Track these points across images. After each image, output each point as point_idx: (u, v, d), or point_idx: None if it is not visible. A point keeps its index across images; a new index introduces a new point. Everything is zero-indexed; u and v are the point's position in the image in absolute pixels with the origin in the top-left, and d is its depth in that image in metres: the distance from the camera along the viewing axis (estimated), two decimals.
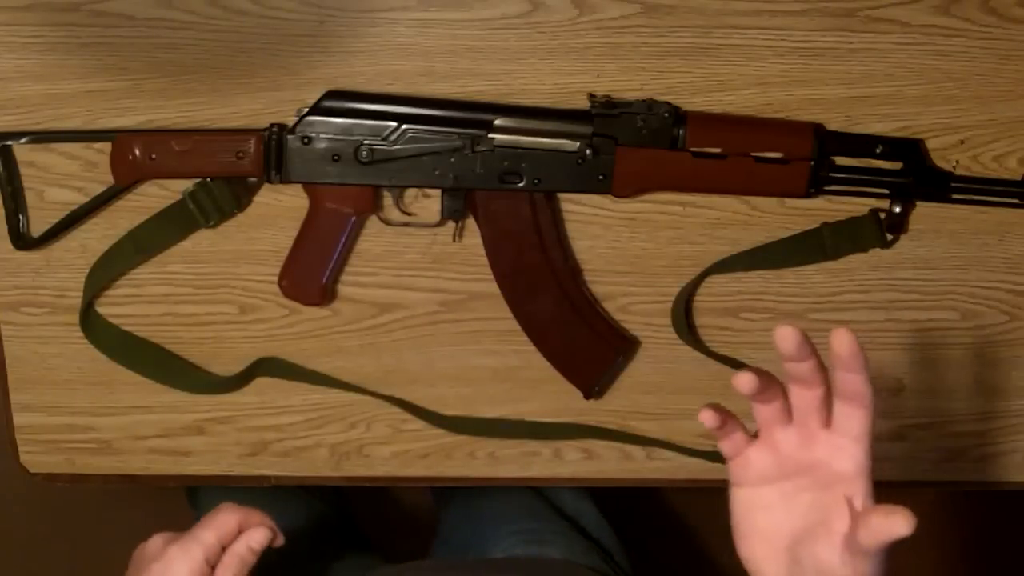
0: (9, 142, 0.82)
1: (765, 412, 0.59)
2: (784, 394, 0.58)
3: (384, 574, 0.94)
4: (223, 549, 0.72)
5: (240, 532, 0.72)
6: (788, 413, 0.59)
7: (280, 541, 0.73)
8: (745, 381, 0.56)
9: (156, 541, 0.73)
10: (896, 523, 0.53)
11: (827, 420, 0.58)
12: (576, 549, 1.00)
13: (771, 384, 0.57)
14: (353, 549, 1.11)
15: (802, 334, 0.54)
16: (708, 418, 0.58)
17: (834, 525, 0.57)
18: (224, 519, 0.72)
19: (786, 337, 0.54)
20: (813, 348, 0.56)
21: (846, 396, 0.56)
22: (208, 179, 0.82)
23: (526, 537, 1.00)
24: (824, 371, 0.56)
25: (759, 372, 0.56)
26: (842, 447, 0.57)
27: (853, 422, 0.57)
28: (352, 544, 1.14)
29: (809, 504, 0.59)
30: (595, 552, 1.01)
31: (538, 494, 1.07)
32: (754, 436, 0.60)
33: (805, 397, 0.57)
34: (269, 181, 0.82)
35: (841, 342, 0.54)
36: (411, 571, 0.93)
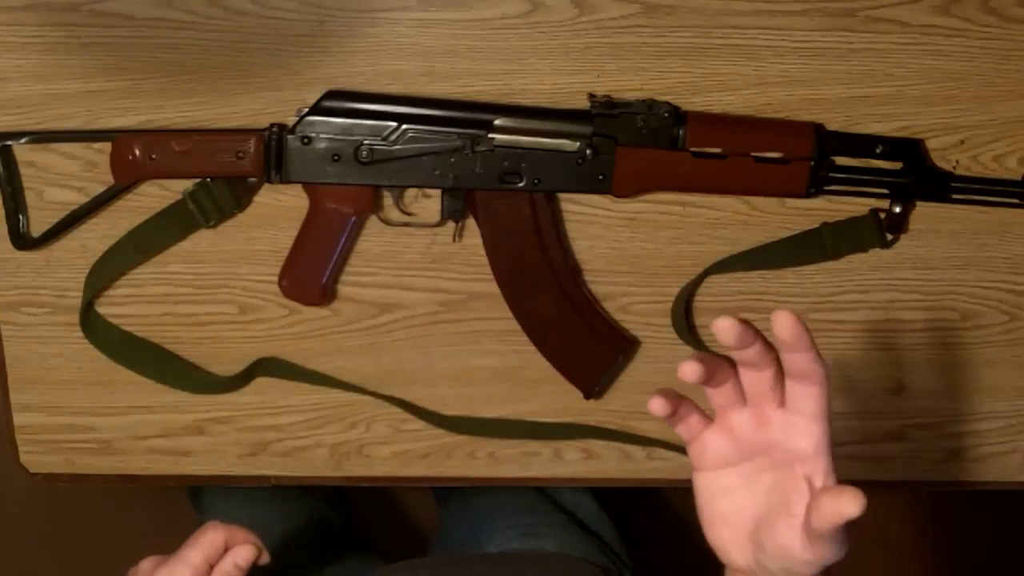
0: (9, 142, 0.82)
1: (717, 396, 0.58)
2: (735, 375, 0.58)
3: (380, 574, 0.94)
4: (211, 567, 0.73)
5: (226, 549, 0.73)
6: (742, 394, 0.58)
7: (265, 559, 0.74)
8: (689, 371, 0.55)
9: (146, 565, 0.74)
10: (844, 503, 0.52)
11: (781, 399, 0.57)
12: (572, 541, 1.00)
13: (718, 368, 0.57)
14: (352, 549, 1.11)
15: (740, 324, 0.53)
16: (657, 406, 0.57)
17: (794, 507, 0.56)
18: (210, 538, 0.73)
19: (725, 330, 0.53)
20: (756, 333, 0.55)
21: (796, 375, 0.55)
22: (208, 179, 0.82)
23: (522, 531, 1.00)
24: (772, 352, 0.56)
25: (704, 358, 0.55)
26: (798, 426, 0.56)
27: (808, 400, 0.56)
28: (351, 544, 1.14)
29: (770, 486, 0.58)
30: (592, 543, 1.01)
31: (536, 489, 1.07)
32: (711, 418, 0.60)
33: (756, 379, 0.57)
34: (269, 181, 0.82)
35: (782, 326, 0.53)
36: (406, 570, 0.93)
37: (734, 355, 0.56)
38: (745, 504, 0.59)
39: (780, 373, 0.56)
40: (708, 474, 0.60)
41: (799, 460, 0.57)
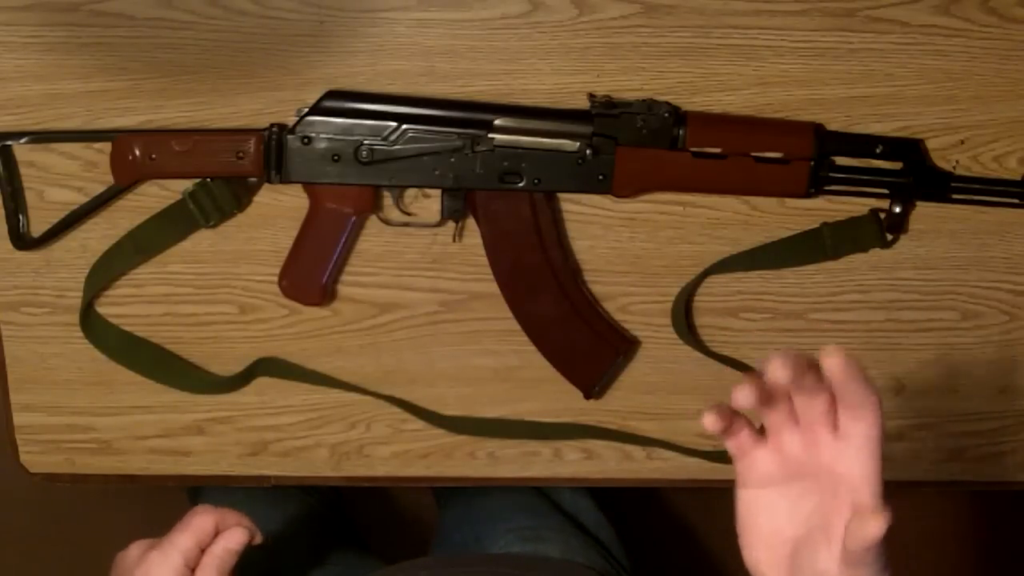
0: (9, 142, 0.82)
1: (771, 416, 0.58)
2: (789, 399, 0.57)
3: (380, 575, 0.94)
4: (202, 551, 0.72)
5: (217, 533, 0.73)
6: (795, 416, 0.58)
7: (259, 539, 0.74)
8: (743, 396, 0.54)
9: (135, 549, 0.73)
10: (868, 526, 0.52)
11: (834, 424, 0.56)
12: (573, 545, 1.00)
13: (772, 392, 0.56)
14: (351, 550, 1.11)
15: (793, 360, 0.53)
16: (711, 423, 0.56)
17: (835, 532, 0.56)
18: (200, 521, 0.72)
19: (777, 369, 0.53)
20: (808, 364, 0.54)
21: (848, 404, 0.55)
22: (208, 179, 0.82)
23: (523, 534, 1.00)
24: (824, 380, 0.55)
25: (758, 382, 0.54)
26: (848, 451, 0.56)
27: (859, 425, 0.55)
28: (350, 545, 1.14)
29: (813, 509, 0.58)
30: (593, 548, 1.01)
31: (537, 492, 1.07)
32: (761, 432, 0.59)
33: (809, 405, 0.56)
34: (269, 181, 0.82)
35: (831, 365, 0.53)
36: (405, 571, 0.93)
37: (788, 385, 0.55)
38: (785, 524, 0.59)
39: (833, 399, 0.56)
40: (753, 491, 0.60)
41: (845, 486, 0.56)
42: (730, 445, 0.59)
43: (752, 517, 0.60)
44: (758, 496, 0.59)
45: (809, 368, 0.54)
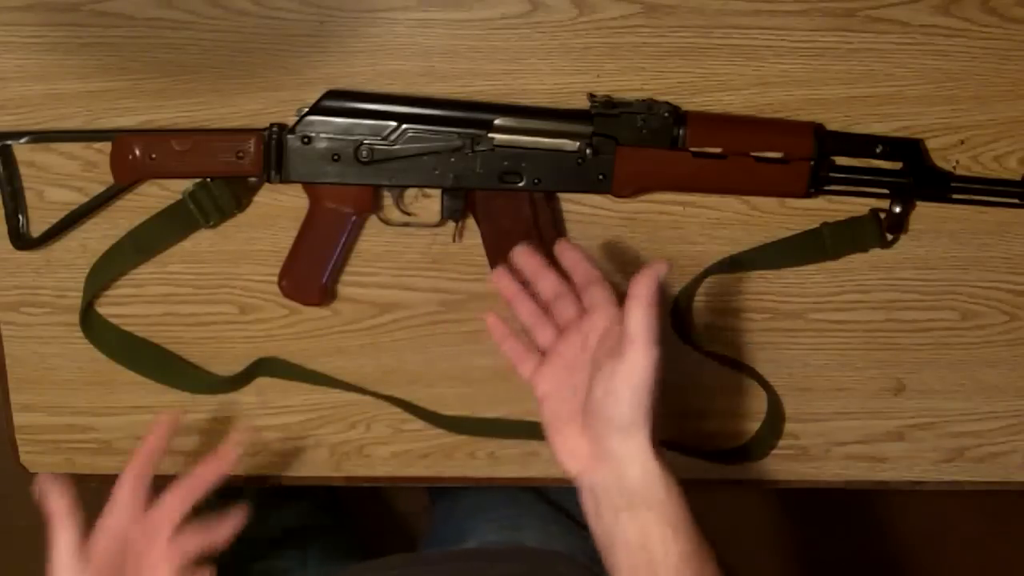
0: (9, 142, 0.82)
1: (541, 335, 0.75)
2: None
3: (352, 571, 0.93)
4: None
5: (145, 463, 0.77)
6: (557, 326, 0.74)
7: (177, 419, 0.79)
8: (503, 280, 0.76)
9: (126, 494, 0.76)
10: (635, 354, 0.66)
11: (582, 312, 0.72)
12: (553, 532, 0.99)
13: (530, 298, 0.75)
14: (344, 550, 1.11)
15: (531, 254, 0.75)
16: (493, 324, 0.77)
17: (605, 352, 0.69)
18: (125, 481, 0.76)
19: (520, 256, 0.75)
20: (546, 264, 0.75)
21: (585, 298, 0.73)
22: (208, 179, 0.82)
23: (502, 523, 1.00)
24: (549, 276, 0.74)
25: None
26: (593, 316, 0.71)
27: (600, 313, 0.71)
28: (344, 545, 1.14)
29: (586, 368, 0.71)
30: (574, 533, 1.00)
31: None
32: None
33: (564, 307, 0.74)
34: (269, 181, 0.82)
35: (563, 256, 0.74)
36: (376, 570, 0.92)
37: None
38: (577, 398, 0.71)
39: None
40: (548, 398, 0.73)
41: (597, 333, 0.71)
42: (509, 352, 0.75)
43: (554, 415, 0.72)
44: (550, 395, 0.73)
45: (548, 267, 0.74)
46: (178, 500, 0.75)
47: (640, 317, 0.66)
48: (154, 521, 0.75)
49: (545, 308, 0.75)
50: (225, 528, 0.75)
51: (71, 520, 0.74)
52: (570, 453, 0.71)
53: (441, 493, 1.16)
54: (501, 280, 0.76)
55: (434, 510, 1.17)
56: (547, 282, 0.75)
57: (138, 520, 0.75)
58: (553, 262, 0.83)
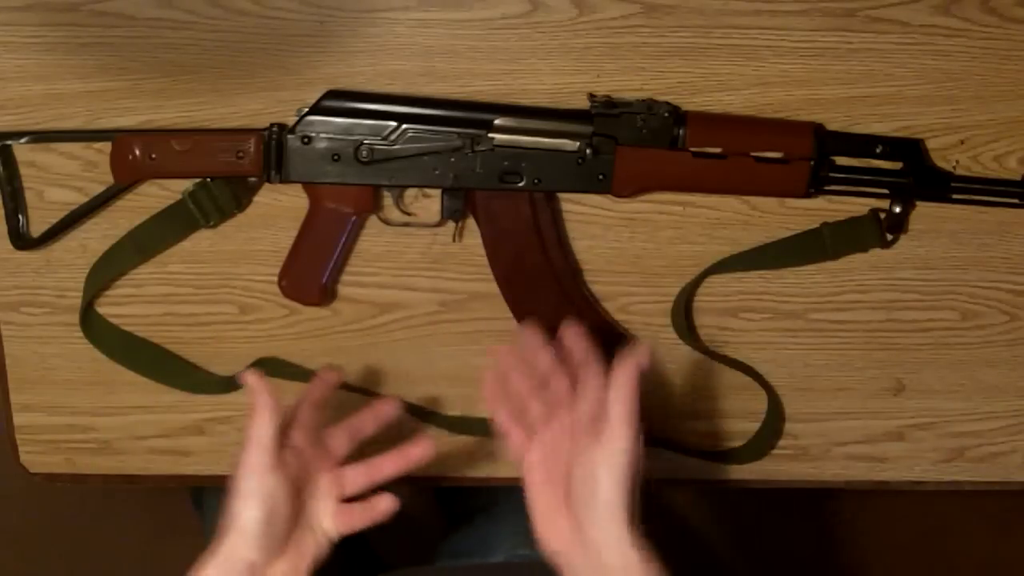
0: (9, 142, 0.82)
1: (535, 411, 0.76)
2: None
3: None
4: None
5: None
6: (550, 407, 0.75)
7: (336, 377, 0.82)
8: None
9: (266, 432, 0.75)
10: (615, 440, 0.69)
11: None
12: None
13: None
14: (352, 555, 1.11)
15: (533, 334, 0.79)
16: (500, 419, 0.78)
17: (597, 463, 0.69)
18: (304, 404, 0.79)
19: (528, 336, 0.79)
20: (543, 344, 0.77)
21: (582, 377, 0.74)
22: (208, 179, 0.82)
23: (527, 537, 1.00)
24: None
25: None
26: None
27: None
28: (351, 549, 1.13)
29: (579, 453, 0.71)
30: None
31: None
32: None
33: (557, 387, 0.76)
34: (269, 181, 0.82)
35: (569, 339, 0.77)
36: None
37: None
38: (562, 475, 0.72)
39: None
40: (538, 478, 0.73)
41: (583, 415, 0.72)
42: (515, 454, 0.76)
43: (538, 492, 0.73)
44: (534, 468, 0.73)
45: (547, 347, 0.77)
46: (346, 435, 0.79)
47: (620, 403, 0.69)
48: (326, 445, 0.78)
49: (543, 383, 0.77)
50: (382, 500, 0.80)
51: (273, 417, 0.75)
52: (552, 531, 0.72)
53: (454, 502, 1.16)
54: (499, 356, 0.79)
55: (448, 519, 1.17)
56: (543, 359, 0.77)
57: (313, 443, 0.77)
58: (553, 262, 0.83)
